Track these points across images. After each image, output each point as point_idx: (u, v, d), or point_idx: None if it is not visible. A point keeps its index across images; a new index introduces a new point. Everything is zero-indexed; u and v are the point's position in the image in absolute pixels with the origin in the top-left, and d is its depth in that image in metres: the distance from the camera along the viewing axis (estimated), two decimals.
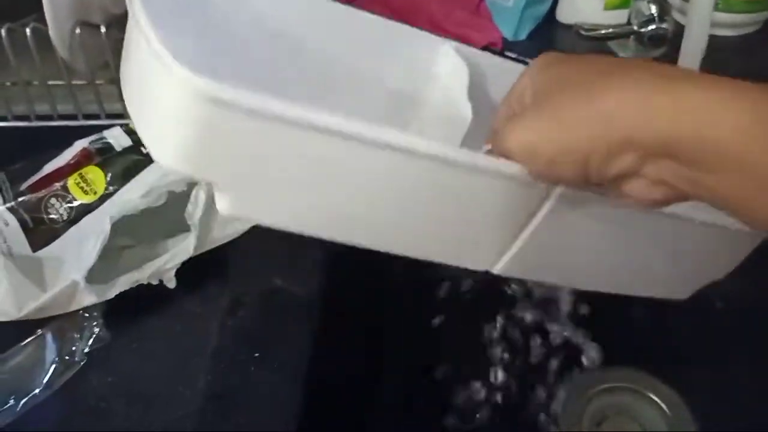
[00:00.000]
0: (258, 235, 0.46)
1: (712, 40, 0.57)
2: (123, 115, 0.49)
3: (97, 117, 0.50)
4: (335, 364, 0.51)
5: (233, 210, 0.29)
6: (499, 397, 0.56)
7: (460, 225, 0.32)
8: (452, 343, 0.61)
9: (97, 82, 0.49)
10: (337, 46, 0.39)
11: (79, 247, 0.41)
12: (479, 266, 0.34)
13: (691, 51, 0.35)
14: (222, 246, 0.45)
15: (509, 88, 0.32)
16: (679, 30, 0.49)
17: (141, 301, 0.42)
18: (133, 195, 0.42)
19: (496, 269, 0.34)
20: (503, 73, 0.37)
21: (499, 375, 0.57)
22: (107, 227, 0.40)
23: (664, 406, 0.54)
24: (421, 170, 0.29)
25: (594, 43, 0.56)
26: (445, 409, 0.57)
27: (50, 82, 0.48)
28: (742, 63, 0.57)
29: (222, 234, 0.45)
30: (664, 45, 0.54)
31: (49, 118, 0.50)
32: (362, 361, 0.60)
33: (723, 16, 0.56)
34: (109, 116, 0.50)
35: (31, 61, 0.47)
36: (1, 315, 0.39)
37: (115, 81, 0.49)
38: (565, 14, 0.60)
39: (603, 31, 0.54)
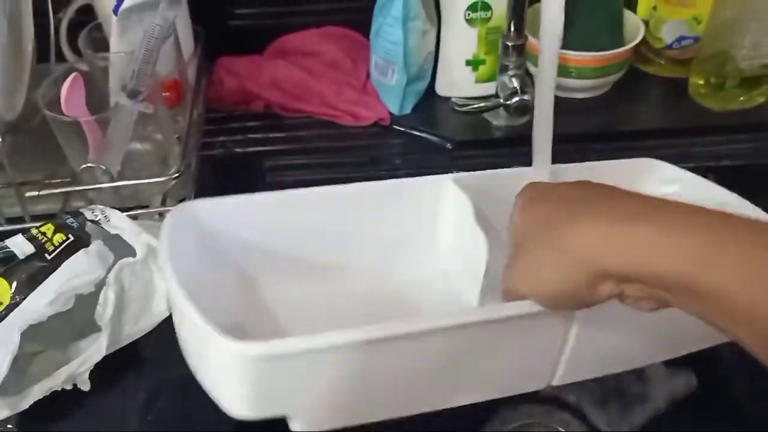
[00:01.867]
0: (168, 324, 0.48)
1: (570, 102, 0.65)
2: (23, 218, 0.49)
3: None
4: None
5: (308, 428, 0.34)
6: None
7: (514, 363, 0.38)
8: None
9: None
10: (352, 220, 0.44)
11: None
12: (538, 385, 0.40)
13: (542, 118, 0.41)
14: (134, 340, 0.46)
15: (516, 190, 0.37)
16: None
17: (56, 407, 0.42)
18: (40, 303, 0.41)
19: (555, 382, 0.40)
20: (507, 180, 0.42)
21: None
22: (16, 339, 0.40)
23: None
24: (468, 337, 0.35)
25: (469, 117, 0.62)
26: None
27: None
28: (596, 120, 0.65)
29: (134, 330, 0.45)
30: (528, 113, 0.60)
31: None
32: None
33: (577, 82, 0.63)
34: (9, 221, 0.49)
35: None
36: None
37: (13, 185, 0.49)
38: (442, 88, 0.65)
39: (475, 106, 0.60)
